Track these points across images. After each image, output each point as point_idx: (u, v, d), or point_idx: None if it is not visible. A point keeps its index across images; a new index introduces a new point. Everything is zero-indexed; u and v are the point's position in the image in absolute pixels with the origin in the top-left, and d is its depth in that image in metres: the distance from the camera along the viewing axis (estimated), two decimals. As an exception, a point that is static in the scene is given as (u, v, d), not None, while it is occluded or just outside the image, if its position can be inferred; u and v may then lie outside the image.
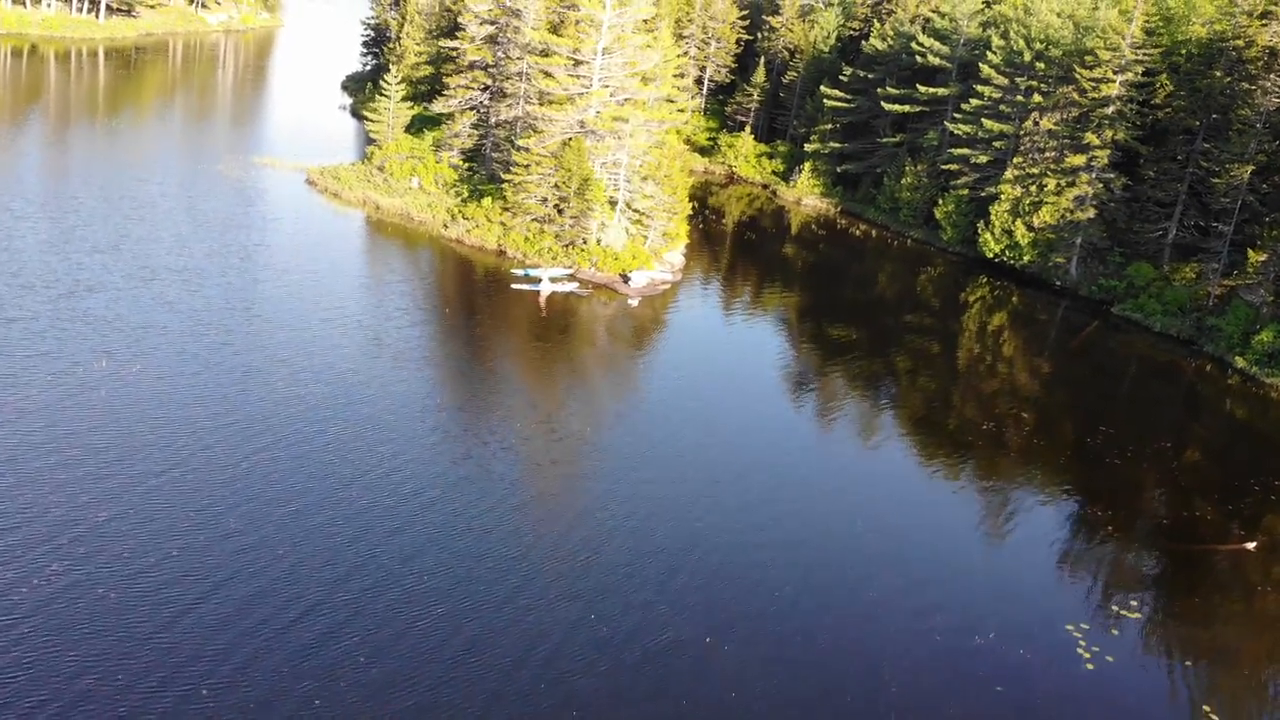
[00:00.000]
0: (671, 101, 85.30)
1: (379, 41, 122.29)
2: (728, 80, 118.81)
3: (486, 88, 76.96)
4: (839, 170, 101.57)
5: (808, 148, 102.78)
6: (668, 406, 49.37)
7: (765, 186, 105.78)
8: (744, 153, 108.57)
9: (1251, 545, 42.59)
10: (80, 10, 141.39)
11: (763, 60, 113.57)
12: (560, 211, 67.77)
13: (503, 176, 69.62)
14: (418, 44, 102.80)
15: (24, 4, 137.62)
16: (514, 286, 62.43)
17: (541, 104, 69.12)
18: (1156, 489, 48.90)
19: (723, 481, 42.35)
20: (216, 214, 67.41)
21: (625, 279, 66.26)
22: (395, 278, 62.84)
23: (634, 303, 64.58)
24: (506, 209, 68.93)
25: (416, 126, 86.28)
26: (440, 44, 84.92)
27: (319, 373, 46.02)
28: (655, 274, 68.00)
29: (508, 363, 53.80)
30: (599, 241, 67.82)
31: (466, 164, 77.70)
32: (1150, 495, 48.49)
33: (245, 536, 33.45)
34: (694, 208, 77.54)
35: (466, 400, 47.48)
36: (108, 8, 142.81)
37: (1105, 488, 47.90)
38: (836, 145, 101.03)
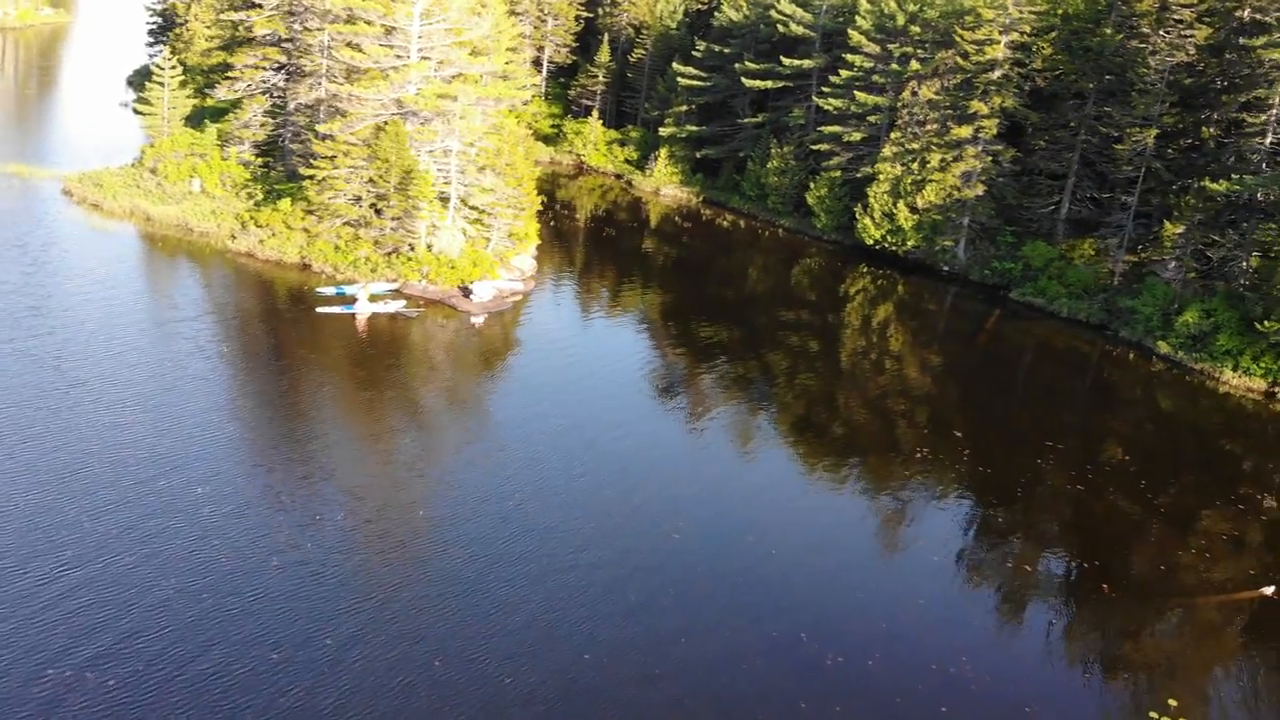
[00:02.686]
0: (508, 78, 73.69)
1: (167, 28, 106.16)
2: (569, 61, 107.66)
3: (282, 66, 63.64)
4: (698, 156, 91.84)
5: (662, 132, 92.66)
6: (523, 451, 38.03)
7: (619, 176, 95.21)
8: (593, 140, 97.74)
9: (1271, 590, 34.18)
10: None
11: (606, 38, 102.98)
12: (378, 212, 55.48)
13: (302, 172, 56.76)
14: (207, 26, 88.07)
15: None
16: (320, 310, 49.75)
17: (349, 81, 56.56)
18: (1125, 516, 40.33)
19: (575, 548, 31.42)
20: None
21: (466, 292, 54.43)
22: (163, 314, 48.37)
23: (478, 320, 52.83)
24: (310, 212, 56.13)
25: (202, 118, 72.03)
26: (226, 17, 70.57)
27: (46, 469, 32.75)
28: (502, 283, 56.44)
29: (317, 422, 40.32)
30: (430, 247, 55.81)
31: (260, 160, 64.12)
32: (1123, 525, 39.85)
33: None
34: (543, 203, 66.59)
35: (257, 496, 33.98)
36: None
37: (1067, 520, 39.20)
38: (693, 128, 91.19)
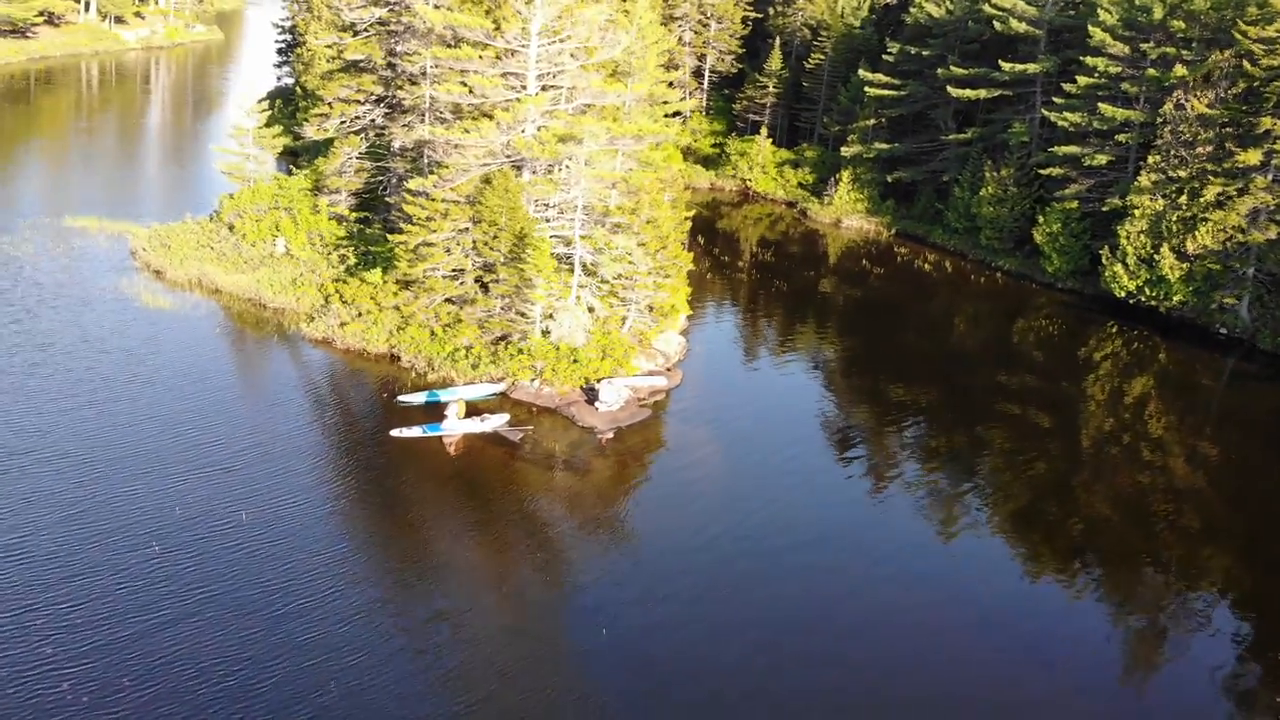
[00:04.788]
0: (664, 103, 60.46)
1: (294, 45, 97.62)
2: (734, 70, 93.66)
3: (381, 99, 52.04)
4: (889, 179, 76.57)
5: (844, 151, 77.75)
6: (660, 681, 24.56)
7: (791, 204, 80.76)
8: (760, 162, 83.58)
9: None
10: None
11: (777, 42, 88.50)
12: (485, 288, 43.00)
13: (390, 239, 44.82)
14: (328, 46, 78.05)
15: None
16: (396, 434, 37.26)
17: (461, 120, 44.20)
18: None
19: None
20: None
21: (590, 396, 41.17)
22: (185, 454, 34.91)
23: (606, 436, 39.44)
24: (405, 285, 44.17)
25: (309, 158, 61.53)
26: (323, 41, 59.51)
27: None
28: (638, 380, 42.99)
29: (377, 662, 27.10)
30: (547, 333, 42.96)
31: (356, 214, 52.61)
32: None
33: None
34: (699, 243, 52.71)
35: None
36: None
37: None
38: (884, 146, 75.87)
